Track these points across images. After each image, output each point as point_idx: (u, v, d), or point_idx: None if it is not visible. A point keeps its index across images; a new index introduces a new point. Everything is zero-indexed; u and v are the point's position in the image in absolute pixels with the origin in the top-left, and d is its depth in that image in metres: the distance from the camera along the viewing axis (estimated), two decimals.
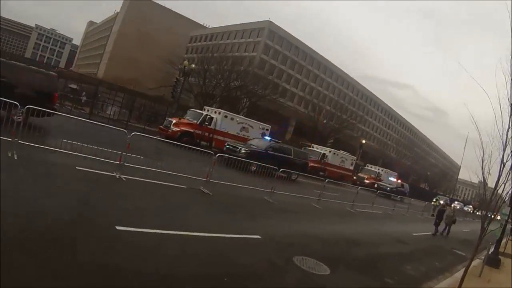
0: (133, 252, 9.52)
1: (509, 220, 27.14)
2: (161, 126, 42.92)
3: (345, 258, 15.35)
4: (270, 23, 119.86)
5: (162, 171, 18.53)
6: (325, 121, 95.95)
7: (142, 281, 8.20)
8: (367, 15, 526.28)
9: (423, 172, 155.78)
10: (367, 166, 79.66)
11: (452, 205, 45.09)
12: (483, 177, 12.84)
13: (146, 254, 9.70)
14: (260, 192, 23.10)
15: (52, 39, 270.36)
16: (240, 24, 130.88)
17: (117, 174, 16.69)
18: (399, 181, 71.29)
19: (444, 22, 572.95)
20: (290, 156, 39.69)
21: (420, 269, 17.63)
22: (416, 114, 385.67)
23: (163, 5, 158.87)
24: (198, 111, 46.35)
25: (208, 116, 42.89)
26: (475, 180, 21.63)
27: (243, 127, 45.39)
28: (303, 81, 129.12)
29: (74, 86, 60.51)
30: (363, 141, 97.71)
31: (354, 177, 68.71)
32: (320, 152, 59.46)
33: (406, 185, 72.99)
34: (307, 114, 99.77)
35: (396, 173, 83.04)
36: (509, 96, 12.29)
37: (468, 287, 14.37)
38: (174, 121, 41.29)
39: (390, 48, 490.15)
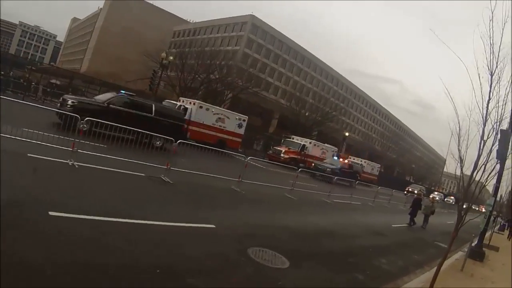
0: (60, 239, 8.44)
1: (494, 211, 25.85)
2: None
3: (313, 251, 14.28)
4: (253, 17, 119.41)
5: (121, 158, 17.66)
6: (307, 114, 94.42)
7: (54, 271, 7.03)
8: (354, 10, 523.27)
9: (409, 165, 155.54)
10: (350, 158, 77.19)
11: (431, 196, 43.13)
12: (460, 157, 11.20)
13: (76, 242, 8.65)
14: (228, 181, 21.83)
15: (36, 35, 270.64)
16: (223, 18, 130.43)
17: (70, 161, 15.64)
18: (346, 160, 61.76)
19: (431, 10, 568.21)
20: (150, 115, 28.81)
21: (397, 263, 16.30)
22: (403, 109, 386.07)
23: (146, 0, 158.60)
24: (173, 102, 45.62)
25: (182, 107, 41.75)
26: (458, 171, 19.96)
27: (219, 118, 44.31)
28: (287, 75, 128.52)
29: (56, 81, 61.52)
30: (347, 134, 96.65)
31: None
32: (300, 143, 57.91)
33: (358, 167, 66.46)
34: (290, 107, 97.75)
35: (379, 165, 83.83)
36: (488, 63, 10.71)
37: (448, 283, 13.08)
38: None
39: (377, 43, 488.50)
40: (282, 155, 52.34)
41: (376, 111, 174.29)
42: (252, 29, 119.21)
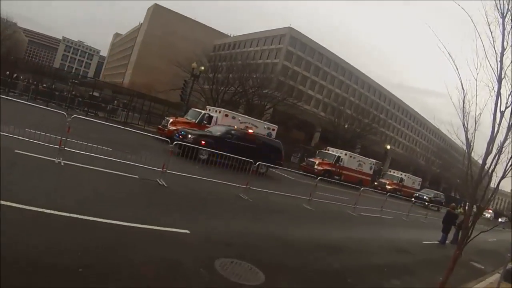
0: None
1: None
2: (159, 126, 42.48)
3: (303, 267, 12.16)
4: (291, 29, 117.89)
5: (116, 160, 17.08)
6: (346, 126, 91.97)
7: None
8: (394, 21, 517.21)
9: (454, 180, 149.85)
10: (389, 171, 75.74)
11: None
12: (466, 138, 8.70)
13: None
14: (235, 188, 20.13)
15: (80, 50, 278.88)
16: (262, 31, 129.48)
17: (57, 159, 15.27)
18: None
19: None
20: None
21: (413, 285, 14.26)
22: (447, 122, 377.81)
23: (186, 15, 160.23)
24: (198, 110, 44.45)
25: (207, 115, 41.00)
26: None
27: (246, 127, 41.69)
28: (328, 87, 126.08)
29: (96, 94, 61.58)
30: (388, 147, 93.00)
31: (375, 183, 65.13)
32: (335, 155, 55.35)
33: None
34: (331, 120, 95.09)
35: (420, 179, 79.70)
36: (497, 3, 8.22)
37: None
38: (171, 120, 40.50)
39: (422, 56, 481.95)
40: (316, 166, 50.42)
41: (419, 124, 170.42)
42: (291, 41, 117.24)
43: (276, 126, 47.57)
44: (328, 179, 34.89)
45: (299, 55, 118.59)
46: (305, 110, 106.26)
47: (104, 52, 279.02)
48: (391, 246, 20.23)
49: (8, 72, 53.70)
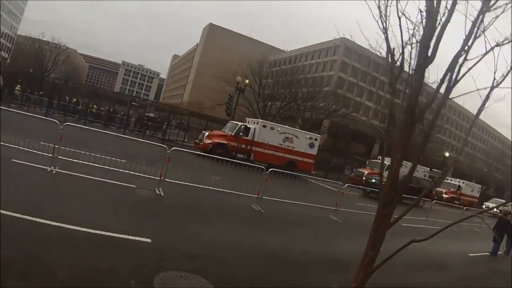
0: None
1: None
2: (196, 141, 42.27)
3: (281, 284, 10.66)
4: (344, 39, 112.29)
5: (119, 170, 17.40)
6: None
7: None
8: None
9: None
10: (446, 179, 71.97)
11: None
12: None
13: None
14: (247, 199, 19.33)
15: (139, 74, 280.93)
16: (316, 44, 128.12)
17: (50, 168, 16.13)
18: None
19: None
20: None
21: None
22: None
23: (241, 32, 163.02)
24: (235, 122, 43.30)
25: (243, 126, 40.23)
26: None
27: (286, 137, 41.32)
28: (386, 97, 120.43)
29: (151, 114, 64.02)
30: (447, 154, 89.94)
31: (432, 192, 61.07)
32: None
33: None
34: (385, 130, 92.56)
35: (480, 186, 77.03)
36: None
37: None
38: (206, 134, 40.52)
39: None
40: (364, 177, 46.77)
41: (480, 129, 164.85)
42: (346, 52, 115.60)
43: (319, 136, 46.33)
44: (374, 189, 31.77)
45: (354, 65, 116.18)
46: (363, 122, 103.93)
47: (163, 75, 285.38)
48: (425, 262, 17.34)
49: (67, 97, 56.09)
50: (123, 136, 27.91)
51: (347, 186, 24.93)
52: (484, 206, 55.07)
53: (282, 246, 13.97)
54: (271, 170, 19.68)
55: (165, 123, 57.02)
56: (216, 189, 18.77)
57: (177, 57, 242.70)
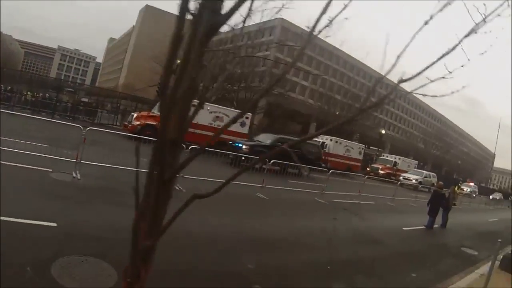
0: None
1: None
2: (125, 123, 41.43)
3: (201, 268, 9.72)
4: (282, 20, 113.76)
5: (38, 154, 16.30)
6: (337, 113, 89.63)
7: None
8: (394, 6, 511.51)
9: (455, 162, 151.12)
10: (382, 156, 73.39)
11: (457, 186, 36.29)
12: None
13: None
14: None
15: (75, 58, 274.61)
16: (254, 24, 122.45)
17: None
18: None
19: None
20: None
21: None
22: (451, 106, 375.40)
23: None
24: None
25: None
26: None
27: (217, 117, 40.30)
28: (322, 77, 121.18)
29: (86, 99, 64.75)
30: (383, 131, 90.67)
31: (368, 168, 61.99)
32: (319, 141, 51.00)
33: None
34: (322, 108, 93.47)
35: (416, 162, 77.01)
36: None
37: None
38: (135, 115, 39.76)
39: (421, 40, 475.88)
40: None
41: (418, 108, 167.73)
42: (282, 32, 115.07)
43: (250, 114, 46.02)
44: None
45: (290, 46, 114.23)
46: (300, 101, 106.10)
47: (100, 59, 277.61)
48: (361, 237, 16.70)
49: (2, 85, 53.72)
50: (52, 120, 26.59)
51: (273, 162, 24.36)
52: (401, 177, 54.47)
53: (200, 226, 12.76)
54: (191, 148, 18.50)
55: (98, 107, 56.15)
56: (137, 170, 17.21)
57: (113, 40, 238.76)
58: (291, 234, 14.57)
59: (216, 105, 45.15)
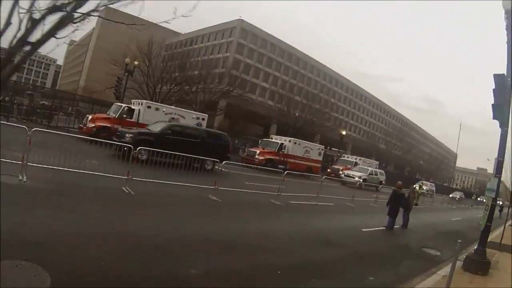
0: None
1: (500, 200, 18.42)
2: (80, 125, 39.83)
3: (145, 273, 8.80)
4: (242, 21, 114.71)
5: None
6: (297, 114, 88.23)
7: None
8: (352, 9, 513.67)
9: (417, 162, 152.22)
10: (343, 156, 73.04)
11: (416, 185, 35.37)
12: None
13: None
14: (118, 181, 17.15)
15: (36, 61, 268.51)
16: (212, 26, 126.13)
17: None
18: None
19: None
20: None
21: None
22: (411, 107, 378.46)
23: (138, 15, 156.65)
24: (119, 104, 41.14)
25: (126, 108, 37.85)
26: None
27: (172, 118, 38.69)
28: (282, 78, 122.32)
29: (44, 102, 63.34)
30: (343, 132, 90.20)
31: (328, 169, 61.28)
32: (278, 142, 51.19)
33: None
34: (284, 110, 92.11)
35: (377, 162, 76.76)
36: None
37: None
38: (90, 117, 37.97)
39: (382, 44, 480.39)
40: (257, 156, 46.44)
41: (380, 109, 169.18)
42: (242, 33, 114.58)
43: (206, 116, 44.32)
44: (271, 168, 32.64)
45: (250, 47, 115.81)
46: (260, 103, 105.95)
47: (61, 61, 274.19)
48: (317, 239, 15.81)
49: None
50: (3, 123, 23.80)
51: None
52: (344, 174, 53.90)
53: (148, 230, 12.20)
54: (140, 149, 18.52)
55: (56, 110, 54.66)
56: (89, 172, 17.01)
57: (74, 43, 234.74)
58: (242, 236, 13.80)
59: (172, 107, 44.89)
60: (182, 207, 16.91)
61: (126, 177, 17.01)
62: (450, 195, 76.46)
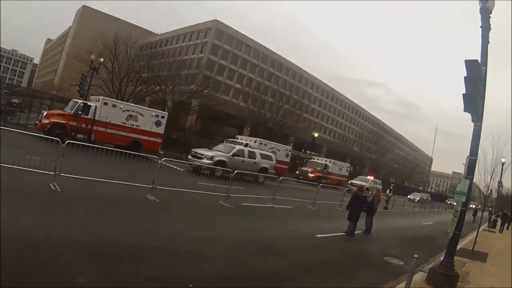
0: None
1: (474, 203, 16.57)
2: (36, 122, 37.55)
3: None
4: (217, 22, 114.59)
5: None
6: (268, 115, 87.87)
7: None
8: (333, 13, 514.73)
9: (392, 166, 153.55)
10: (313, 158, 70.35)
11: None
12: None
13: None
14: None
15: (13, 60, 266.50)
16: (188, 26, 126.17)
17: None
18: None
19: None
20: None
21: None
22: (389, 111, 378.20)
23: (115, 15, 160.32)
24: (76, 100, 38.69)
25: (82, 104, 35.75)
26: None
27: (130, 115, 37.39)
28: (257, 80, 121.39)
29: (16, 100, 63.58)
30: (316, 134, 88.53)
31: (297, 171, 59.73)
32: (242, 143, 47.15)
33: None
34: (251, 110, 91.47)
35: (348, 165, 76.26)
36: None
37: None
38: (45, 113, 36.48)
39: (361, 48, 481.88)
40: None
41: (356, 113, 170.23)
42: (217, 34, 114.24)
43: (166, 113, 42.71)
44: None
45: (225, 48, 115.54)
46: (234, 105, 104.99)
47: (38, 60, 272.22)
48: (260, 246, 13.92)
49: None
50: None
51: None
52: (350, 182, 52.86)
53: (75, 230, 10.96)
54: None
55: (26, 108, 54.28)
56: (34, 170, 15.88)
57: (51, 41, 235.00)
58: (172, 241, 12.02)
59: (131, 104, 43.73)
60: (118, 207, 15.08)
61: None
62: (409, 196, 73.25)
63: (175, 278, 9.15)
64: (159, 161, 19.14)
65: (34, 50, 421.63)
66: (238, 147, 38.31)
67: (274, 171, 40.06)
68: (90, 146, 19.25)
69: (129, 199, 16.65)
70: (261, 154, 39.87)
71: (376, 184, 59.31)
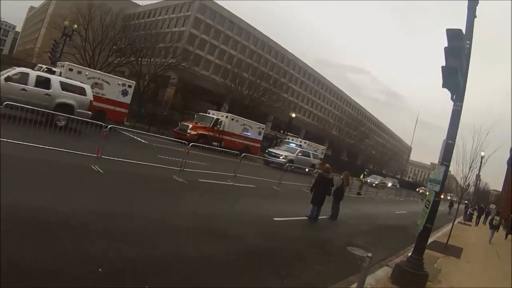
0: None
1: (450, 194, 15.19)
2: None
3: None
4: None
5: None
6: (246, 92, 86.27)
7: None
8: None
9: (370, 152, 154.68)
10: (287, 139, 68.34)
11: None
12: None
13: None
14: None
15: None
16: None
17: None
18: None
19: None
20: None
21: None
22: (373, 99, 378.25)
23: None
24: (40, 65, 34.84)
25: (46, 69, 31.66)
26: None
27: (96, 83, 35.25)
28: (238, 57, 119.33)
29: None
30: (293, 115, 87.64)
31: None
32: (213, 117, 47.16)
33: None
34: (228, 86, 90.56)
35: (324, 147, 75.33)
36: None
37: None
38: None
39: (349, 34, 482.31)
40: (189, 131, 43.42)
41: (337, 97, 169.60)
42: (200, 8, 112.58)
43: (134, 82, 40.91)
44: (203, 145, 27.81)
45: (207, 23, 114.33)
46: (213, 81, 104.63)
47: (20, 28, 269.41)
48: (208, 227, 12.35)
49: None
50: None
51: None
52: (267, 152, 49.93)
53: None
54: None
55: None
56: None
57: (33, 9, 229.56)
58: (104, 219, 10.42)
59: (97, 71, 42.37)
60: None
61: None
62: (366, 179, 60.25)
63: (93, 259, 7.50)
64: (105, 128, 17.14)
65: (17, 18, 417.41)
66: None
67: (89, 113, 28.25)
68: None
69: (75, 169, 15.17)
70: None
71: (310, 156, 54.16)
